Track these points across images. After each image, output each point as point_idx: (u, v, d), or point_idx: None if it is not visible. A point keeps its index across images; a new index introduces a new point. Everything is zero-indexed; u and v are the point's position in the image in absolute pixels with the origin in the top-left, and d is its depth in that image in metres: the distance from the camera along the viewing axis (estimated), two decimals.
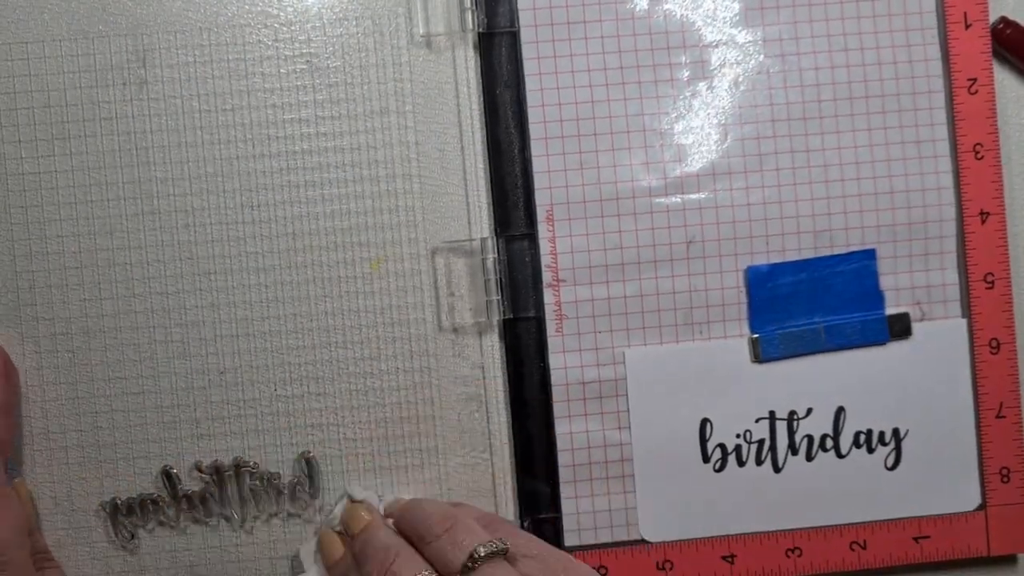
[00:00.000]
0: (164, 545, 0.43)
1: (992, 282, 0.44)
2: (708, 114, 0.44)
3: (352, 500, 0.42)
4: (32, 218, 0.42)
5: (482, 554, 0.36)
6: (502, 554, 0.36)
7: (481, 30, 0.43)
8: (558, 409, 0.43)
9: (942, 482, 0.44)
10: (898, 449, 0.44)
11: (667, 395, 0.43)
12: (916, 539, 0.44)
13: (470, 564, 0.36)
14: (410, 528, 0.39)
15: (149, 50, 0.43)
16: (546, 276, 0.43)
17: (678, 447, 0.44)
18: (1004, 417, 0.44)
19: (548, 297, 0.43)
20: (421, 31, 0.43)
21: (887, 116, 0.44)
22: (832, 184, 0.44)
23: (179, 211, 0.43)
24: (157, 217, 0.43)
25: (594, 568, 0.43)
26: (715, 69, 0.44)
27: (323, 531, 0.42)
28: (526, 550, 0.38)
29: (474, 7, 0.43)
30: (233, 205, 0.43)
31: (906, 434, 0.44)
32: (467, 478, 0.43)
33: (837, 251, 0.44)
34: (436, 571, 0.36)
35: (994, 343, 0.44)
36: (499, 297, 0.43)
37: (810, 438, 0.44)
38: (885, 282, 0.44)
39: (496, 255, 0.43)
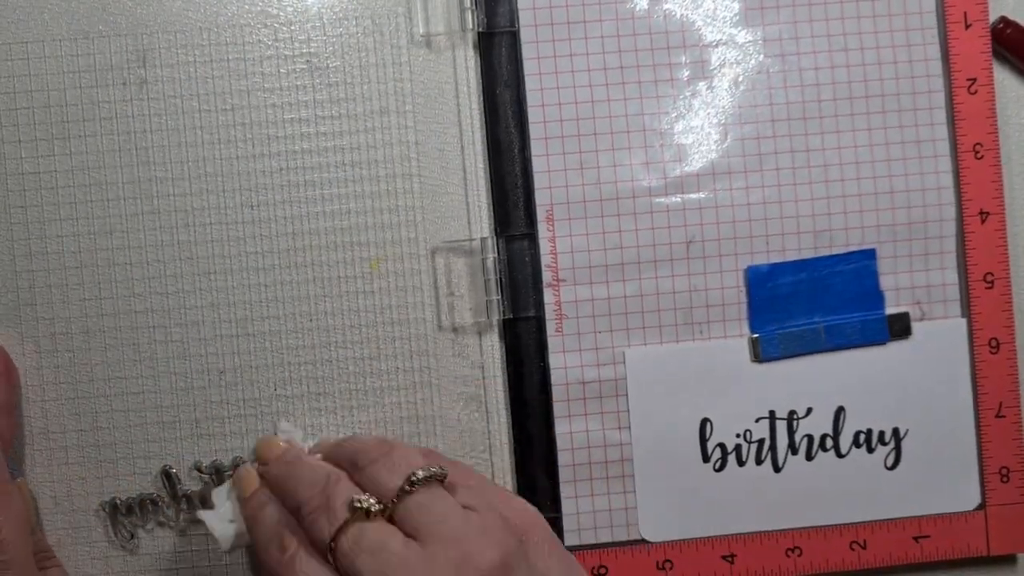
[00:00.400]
0: (164, 545, 0.43)
1: (992, 282, 0.44)
2: (708, 114, 0.44)
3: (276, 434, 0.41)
4: (32, 218, 0.42)
5: (420, 476, 0.34)
6: (441, 479, 0.35)
7: (481, 30, 0.43)
8: (558, 409, 0.43)
9: (942, 482, 0.44)
10: (898, 449, 0.44)
11: (667, 395, 0.43)
12: (916, 539, 0.44)
13: (407, 488, 0.34)
14: (344, 458, 0.37)
15: (149, 50, 0.43)
16: (546, 276, 0.43)
17: (678, 447, 0.44)
18: (1004, 417, 0.44)
19: (548, 297, 0.43)
20: (421, 31, 0.43)
21: (887, 116, 0.44)
22: (832, 184, 0.44)
23: (179, 211, 0.43)
24: (157, 217, 0.43)
25: (594, 568, 0.43)
26: (715, 69, 0.44)
27: (241, 466, 0.40)
28: (464, 481, 0.37)
29: (474, 7, 0.43)
30: (233, 205, 0.43)
31: (906, 434, 0.44)
32: None
33: (837, 251, 0.44)
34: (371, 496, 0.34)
35: (994, 343, 0.44)
36: (499, 297, 0.43)
37: (810, 438, 0.44)
38: (885, 282, 0.44)
39: (496, 255, 0.43)
